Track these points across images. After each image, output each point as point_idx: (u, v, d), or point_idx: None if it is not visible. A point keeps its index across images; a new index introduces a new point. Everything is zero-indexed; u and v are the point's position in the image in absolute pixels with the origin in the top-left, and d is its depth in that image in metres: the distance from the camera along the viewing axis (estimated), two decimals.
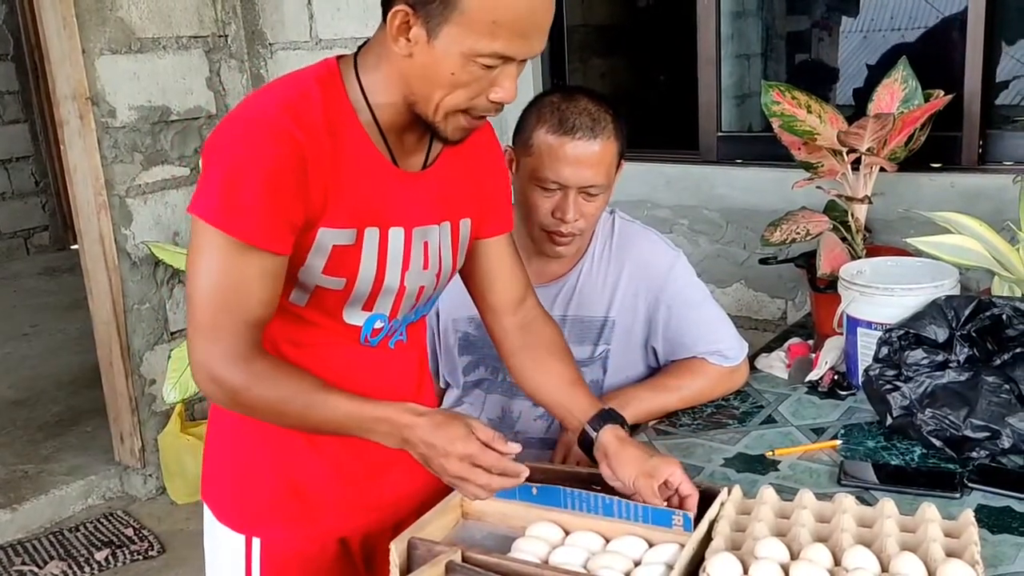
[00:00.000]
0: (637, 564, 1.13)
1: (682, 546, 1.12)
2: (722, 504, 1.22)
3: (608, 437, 1.28)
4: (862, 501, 1.29)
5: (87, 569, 2.74)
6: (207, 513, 1.36)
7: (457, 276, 1.39)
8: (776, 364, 1.83)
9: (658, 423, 1.62)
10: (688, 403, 1.65)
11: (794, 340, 1.92)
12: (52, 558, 2.79)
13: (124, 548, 2.83)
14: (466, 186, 1.30)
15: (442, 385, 1.83)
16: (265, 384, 1.13)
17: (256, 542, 1.30)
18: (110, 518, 3.03)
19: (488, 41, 1.05)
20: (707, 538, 1.14)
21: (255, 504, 1.30)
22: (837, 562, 1.08)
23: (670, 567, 1.09)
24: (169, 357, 2.85)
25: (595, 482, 1.27)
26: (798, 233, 1.87)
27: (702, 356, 1.66)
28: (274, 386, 1.13)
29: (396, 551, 1.14)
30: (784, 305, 2.37)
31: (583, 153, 1.52)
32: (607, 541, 1.18)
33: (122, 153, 2.94)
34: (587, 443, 1.31)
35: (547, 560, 1.14)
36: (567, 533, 1.20)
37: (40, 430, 3.53)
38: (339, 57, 1.19)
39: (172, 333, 3.13)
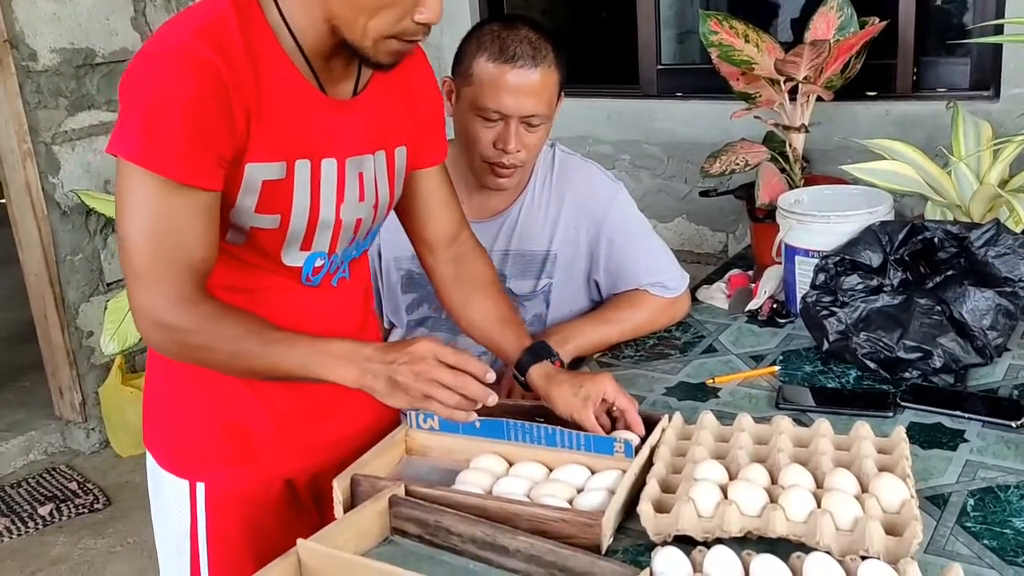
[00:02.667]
0: (580, 491, 1.14)
1: (624, 472, 1.13)
2: (663, 431, 1.23)
3: (535, 377, 1.29)
4: (799, 423, 1.31)
5: (31, 524, 2.70)
6: (150, 460, 1.34)
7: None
8: (717, 295, 1.85)
9: (601, 356, 1.62)
10: (630, 335, 1.66)
11: (734, 271, 1.94)
12: None
13: (68, 502, 2.79)
14: (400, 113, 1.26)
15: (386, 325, 1.82)
16: (214, 326, 1.08)
17: (200, 486, 1.28)
18: (53, 473, 2.98)
19: None
20: (648, 463, 1.16)
21: (197, 449, 1.28)
22: (774, 480, 1.10)
23: (612, 492, 1.10)
24: (105, 308, 2.78)
25: (538, 414, 1.28)
26: (737, 164, 1.87)
27: (644, 288, 1.67)
28: (223, 328, 1.09)
29: (339, 488, 1.14)
30: (725, 238, 2.39)
31: (524, 82, 1.50)
32: (551, 470, 1.19)
33: (46, 98, 2.83)
34: (522, 382, 1.32)
35: (491, 491, 1.14)
36: (511, 464, 1.21)
37: None
38: None
39: (108, 284, 3.06)
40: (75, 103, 2.91)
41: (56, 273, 2.91)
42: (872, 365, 1.46)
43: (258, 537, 1.28)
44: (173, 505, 1.31)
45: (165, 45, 1.06)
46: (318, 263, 1.23)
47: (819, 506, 1.03)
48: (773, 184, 1.85)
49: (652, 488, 1.09)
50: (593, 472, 1.17)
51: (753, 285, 1.83)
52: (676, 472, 1.15)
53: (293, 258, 1.19)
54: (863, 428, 1.20)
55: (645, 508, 1.06)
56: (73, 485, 2.89)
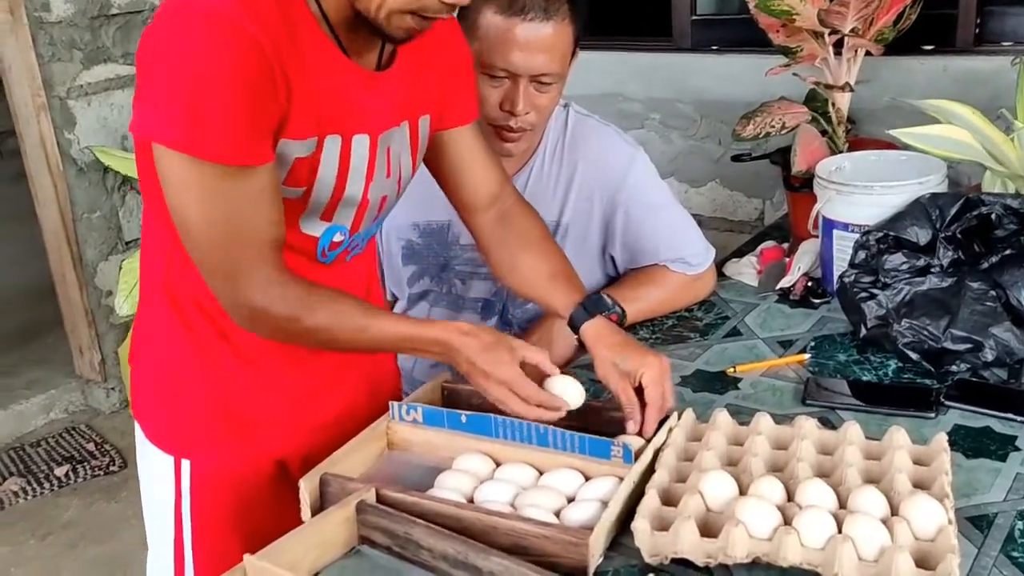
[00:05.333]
0: (571, 500, 1.02)
1: (621, 480, 1.01)
2: (670, 431, 1.10)
3: (587, 336, 1.19)
4: (826, 423, 1.18)
5: (46, 485, 2.67)
6: (138, 430, 1.26)
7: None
8: (746, 271, 1.70)
9: None
10: (647, 315, 1.53)
11: (768, 244, 1.79)
12: (12, 474, 2.72)
13: (85, 463, 2.76)
14: (429, 81, 1.17)
15: (389, 298, 1.71)
16: (312, 311, 1.05)
17: (186, 464, 1.20)
18: (72, 432, 2.96)
19: None
20: (650, 470, 1.03)
21: (184, 424, 1.20)
22: (791, 497, 0.97)
23: (605, 504, 0.97)
24: (120, 269, 2.71)
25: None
26: (773, 126, 1.71)
27: (663, 264, 1.53)
28: (322, 312, 1.06)
29: (306, 489, 1.03)
30: (762, 205, 2.22)
31: (535, 36, 1.35)
32: (541, 474, 1.07)
33: (60, 50, 2.74)
34: (574, 324, 1.23)
35: (472, 496, 1.03)
36: (498, 464, 1.09)
37: (1, 342, 3.41)
38: None
39: (127, 243, 2.99)
40: (90, 56, 2.82)
41: (73, 231, 2.85)
42: (914, 356, 1.31)
43: (245, 519, 1.21)
44: (158, 480, 1.23)
45: (195, 11, 0.93)
46: (337, 238, 1.14)
47: (840, 530, 0.90)
48: (812, 149, 1.68)
49: (650, 501, 0.97)
50: (587, 478, 1.04)
51: (787, 260, 1.67)
52: (681, 481, 1.02)
53: (312, 227, 1.11)
54: (898, 435, 1.05)
55: (640, 525, 0.93)
56: (91, 446, 2.86)
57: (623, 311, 1.27)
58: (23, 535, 2.46)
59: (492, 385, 1.07)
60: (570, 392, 1.10)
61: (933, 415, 1.19)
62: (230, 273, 1.02)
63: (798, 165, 1.66)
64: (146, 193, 1.13)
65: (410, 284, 1.63)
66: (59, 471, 2.71)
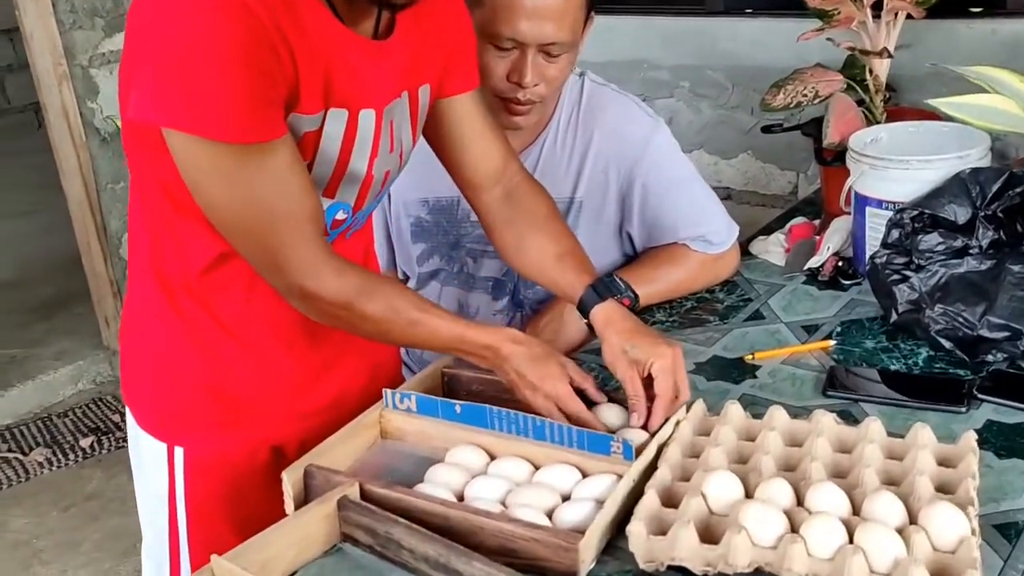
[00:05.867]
0: (566, 499, 0.95)
1: (620, 477, 0.94)
2: (677, 424, 1.04)
3: (597, 320, 1.13)
4: (848, 417, 1.10)
5: (71, 456, 2.68)
6: (129, 416, 1.23)
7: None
8: (773, 249, 1.61)
9: None
10: (665, 296, 1.45)
11: (798, 220, 1.69)
12: (38, 444, 2.74)
13: (110, 435, 2.77)
14: (429, 49, 1.11)
15: (400, 276, 1.65)
16: (369, 299, 1.02)
17: (179, 451, 1.16)
18: (99, 403, 2.96)
19: None
20: (653, 467, 0.97)
21: (177, 410, 1.16)
22: (800, 500, 0.90)
23: (602, 504, 0.91)
24: None
25: None
26: (805, 95, 1.61)
27: (683, 242, 1.45)
28: (378, 301, 1.03)
29: (289, 481, 0.98)
30: (795, 178, 2.12)
31: (543, 3, 1.27)
32: (536, 468, 1.01)
33: (81, 18, 2.71)
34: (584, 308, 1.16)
35: (463, 492, 0.97)
36: (493, 457, 1.03)
37: (31, 312, 3.43)
38: None
39: None
40: (112, 24, 2.78)
41: (97, 202, 2.84)
42: (947, 344, 1.22)
43: (241, 506, 1.17)
44: (151, 467, 1.19)
45: None
46: (340, 216, 1.09)
47: (851, 540, 0.83)
48: (847, 119, 1.58)
49: (649, 502, 0.90)
50: (584, 475, 0.98)
51: (817, 238, 1.58)
52: (685, 479, 0.96)
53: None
54: (922, 433, 0.98)
55: (636, 528, 0.87)
56: (116, 417, 2.86)
57: (636, 296, 1.20)
58: (46, 506, 2.47)
59: (539, 398, 1.03)
60: (617, 422, 1.05)
61: (964, 409, 1.10)
62: (272, 258, 0.98)
63: (831, 137, 1.56)
64: (131, 172, 1.09)
65: (420, 263, 1.57)
66: (84, 442, 2.73)
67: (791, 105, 1.60)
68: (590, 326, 1.14)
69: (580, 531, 0.87)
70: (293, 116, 0.95)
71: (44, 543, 2.31)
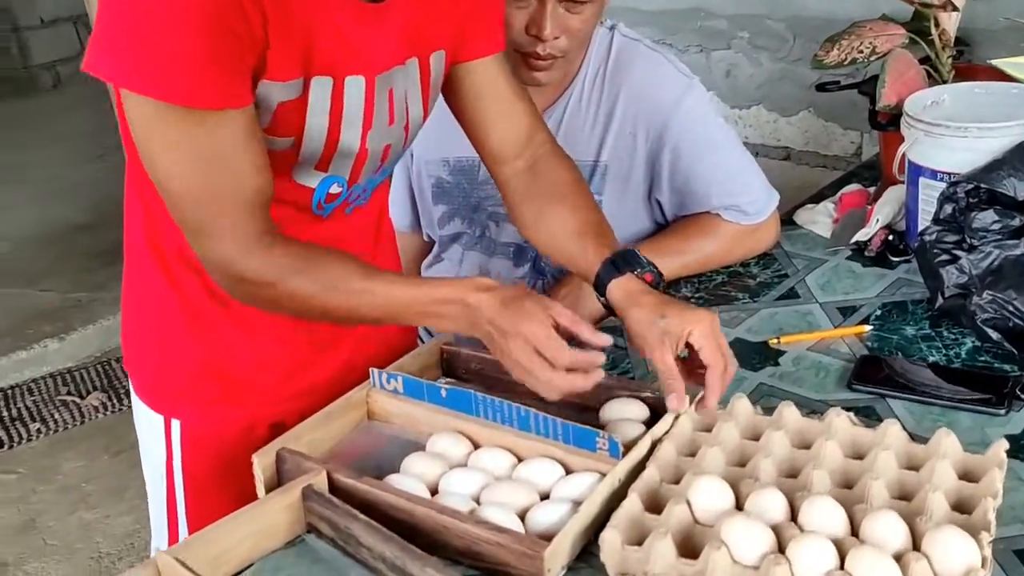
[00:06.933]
0: (545, 497, 0.89)
1: (604, 476, 0.87)
2: (676, 418, 0.96)
3: (616, 295, 1.01)
4: (871, 415, 1.01)
5: (126, 401, 2.73)
6: (131, 382, 1.21)
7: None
8: (820, 219, 1.49)
9: None
10: (695, 269, 1.36)
11: (851, 187, 1.57)
12: (95, 388, 2.80)
13: None
14: (442, 12, 1.02)
15: (425, 239, 1.59)
16: (298, 275, 0.93)
17: (176, 424, 1.14)
18: None
19: None
20: (641, 467, 0.89)
21: (174, 384, 1.14)
22: (794, 515, 0.81)
23: (579, 505, 0.84)
24: None
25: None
26: (861, 52, 1.47)
27: (715, 211, 1.35)
28: (309, 276, 0.93)
29: (259, 465, 0.94)
30: (859, 139, 1.97)
31: None
32: (520, 460, 0.94)
33: None
34: (608, 307, 1.05)
35: (437, 485, 0.92)
36: (477, 446, 0.97)
37: (97, 257, 3.49)
38: None
39: None
40: None
41: None
42: (994, 335, 1.11)
43: (238, 482, 1.10)
44: (149, 436, 1.18)
45: None
46: (334, 189, 1.02)
47: (842, 565, 0.74)
48: (906, 79, 1.44)
49: (630, 506, 0.83)
50: (568, 471, 0.91)
51: (869, 208, 1.46)
52: (676, 482, 0.88)
53: (307, 178, 1.00)
54: (946, 441, 0.88)
55: (609, 536, 0.80)
56: None
57: (659, 274, 1.07)
58: (98, 450, 2.53)
59: (515, 346, 0.89)
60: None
61: (1004, 411, 0.99)
62: (209, 232, 0.91)
63: (886, 98, 1.42)
64: (124, 139, 1.04)
65: (441, 225, 1.51)
66: None
67: (845, 62, 1.47)
68: (608, 306, 1.03)
69: (550, 536, 0.81)
70: (264, 84, 0.88)
71: (92, 487, 2.37)
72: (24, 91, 6.07)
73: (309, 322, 1.08)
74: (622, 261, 1.02)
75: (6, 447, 2.57)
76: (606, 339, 0.92)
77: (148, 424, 1.17)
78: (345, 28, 0.92)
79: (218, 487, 1.14)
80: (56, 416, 2.68)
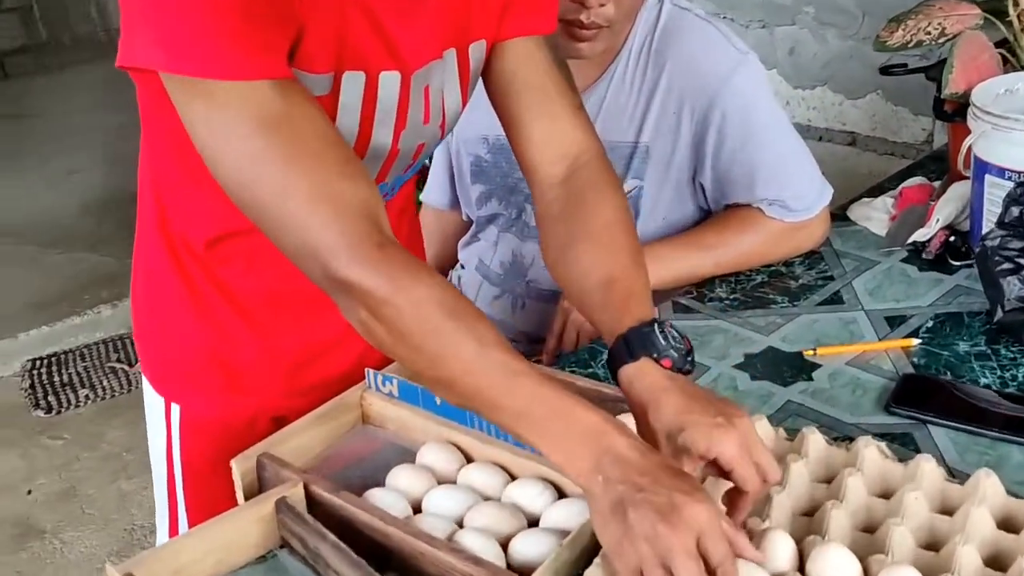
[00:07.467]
0: (534, 524, 0.82)
1: None
2: None
3: (627, 381, 0.81)
4: (908, 444, 0.91)
5: None
6: (139, 359, 1.18)
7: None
8: (876, 215, 1.38)
9: (685, 292, 1.24)
10: (731, 268, 1.26)
11: (913, 181, 1.44)
12: None
13: None
14: (485, 2, 0.92)
15: (464, 219, 1.53)
16: (414, 307, 0.74)
17: (175, 408, 1.11)
18: None
19: None
20: None
21: (176, 369, 1.11)
22: (802, 564, 0.73)
23: (566, 536, 0.77)
24: None
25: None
26: (928, 33, 1.34)
27: (757, 205, 1.24)
28: (428, 317, 0.74)
29: (239, 471, 0.90)
30: (931, 125, 1.83)
31: None
32: (512, 478, 0.87)
33: None
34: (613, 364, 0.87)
35: (421, 501, 0.86)
36: (469, 460, 0.91)
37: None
38: None
39: None
40: None
41: None
42: None
43: None
44: (152, 418, 1.15)
45: None
46: None
47: None
48: (978, 64, 1.30)
49: None
50: (561, 494, 0.84)
51: (932, 204, 1.33)
52: None
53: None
54: (986, 483, 0.78)
55: (594, 574, 0.73)
56: None
57: (687, 351, 0.83)
58: (141, 419, 2.52)
59: (679, 533, 0.66)
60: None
61: None
62: (302, 236, 0.75)
63: (954, 84, 1.29)
64: (143, 124, 0.99)
65: (478, 205, 1.43)
66: None
67: (910, 44, 1.34)
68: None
69: (531, 570, 0.74)
70: (294, 72, 0.79)
71: (132, 456, 2.38)
72: (104, 54, 6.17)
73: (316, 317, 1.03)
74: (638, 342, 0.82)
75: (55, 412, 2.61)
76: (762, 558, 0.72)
77: (151, 405, 1.14)
78: (381, 18, 0.83)
79: (217, 478, 1.10)
80: (104, 383, 2.70)
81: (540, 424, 0.72)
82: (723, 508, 0.76)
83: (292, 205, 0.75)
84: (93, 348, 2.88)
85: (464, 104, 0.99)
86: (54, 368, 2.80)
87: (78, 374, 2.76)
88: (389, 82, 0.87)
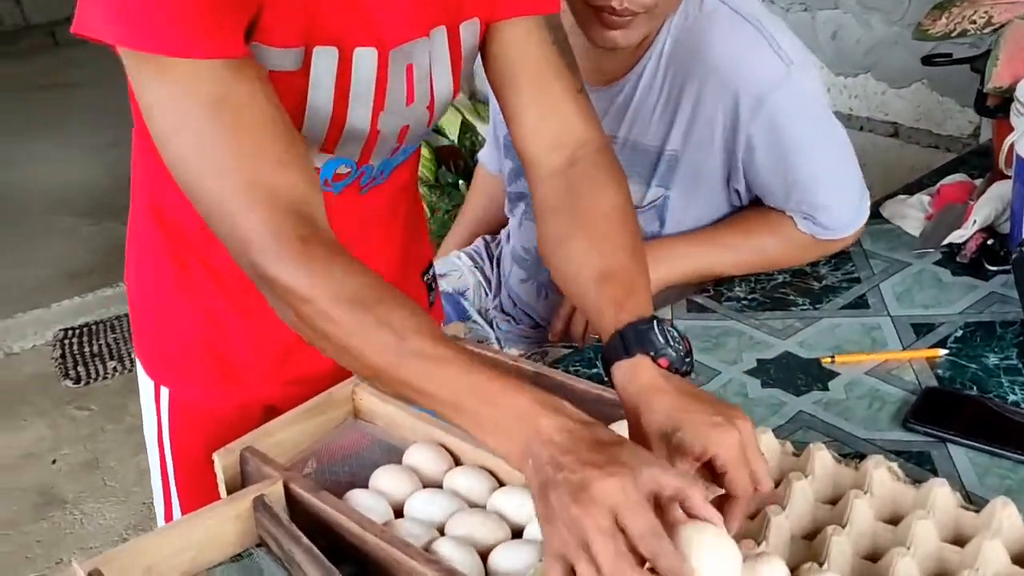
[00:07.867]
0: (518, 535, 0.78)
1: None
2: None
3: (621, 379, 0.76)
4: (925, 463, 0.86)
5: None
6: (133, 338, 1.17)
7: None
8: (911, 214, 1.31)
9: (701, 291, 1.19)
10: (749, 269, 1.20)
11: (953, 178, 1.37)
12: None
13: None
14: None
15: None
16: (331, 304, 0.71)
17: (165, 392, 1.09)
18: None
19: None
20: None
21: (166, 353, 1.09)
22: None
23: None
24: None
25: (545, 385, 0.91)
26: (974, 22, 1.26)
27: (790, 214, 1.17)
28: (344, 313, 0.71)
29: (220, 464, 0.87)
30: (978, 118, 1.74)
31: None
32: (500, 484, 0.84)
33: None
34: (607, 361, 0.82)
35: (403, 507, 0.82)
36: (458, 462, 0.87)
37: None
38: None
39: None
40: None
41: None
42: None
43: None
44: (144, 400, 1.14)
45: None
46: (342, 170, 0.92)
47: None
48: None
49: None
50: None
51: (971, 203, 1.26)
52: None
53: (311, 158, 0.87)
54: (1003, 513, 0.73)
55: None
56: None
57: (686, 351, 0.78)
58: None
59: (591, 513, 0.60)
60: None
61: None
62: (231, 225, 0.73)
63: (998, 78, 1.22)
64: (133, 108, 0.96)
65: (509, 181, 1.38)
66: None
67: (953, 33, 1.26)
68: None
69: None
70: (255, 46, 0.76)
71: None
72: None
73: None
74: (634, 338, 0.77)
75: (83, 383, 2.63)
76: (718, 489, 0.69)
77: (143, 387, 1.13)
78: None
79: (208, 466, 1.07)
80: (132, 356, 2.71)
81: (471, 411, 0.69)
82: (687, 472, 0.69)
83: (227, 193, 0.73)
84: (124, 320, 2.89)
85: (456, 87, 0.93)
86: (84, 339, 2.82)
87: (107, 345, 2.78)
88: (365, 59, 0.82)
